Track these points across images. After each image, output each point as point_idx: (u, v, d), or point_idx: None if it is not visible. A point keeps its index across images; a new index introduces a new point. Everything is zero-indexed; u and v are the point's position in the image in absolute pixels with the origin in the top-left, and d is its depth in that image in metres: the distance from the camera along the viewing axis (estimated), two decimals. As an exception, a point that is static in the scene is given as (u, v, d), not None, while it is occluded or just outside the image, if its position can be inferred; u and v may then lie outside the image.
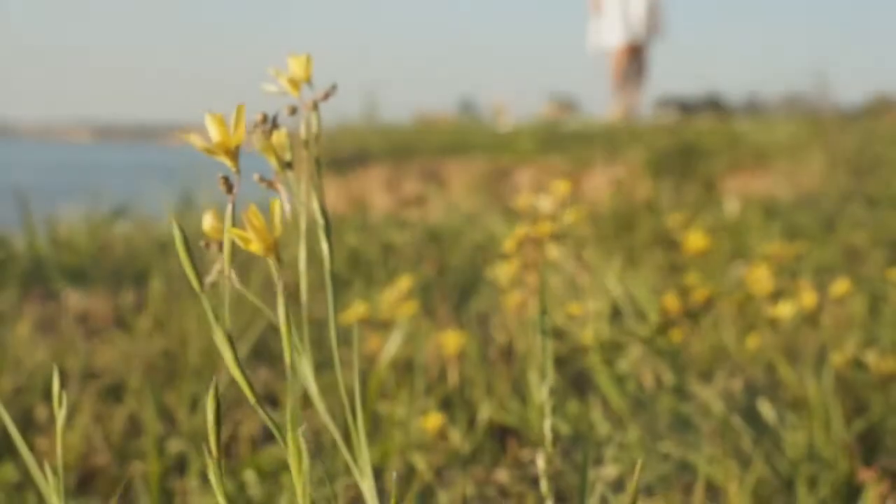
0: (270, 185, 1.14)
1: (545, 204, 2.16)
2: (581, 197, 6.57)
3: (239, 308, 2.51)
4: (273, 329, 2.55)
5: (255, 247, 0.91)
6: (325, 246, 1.12)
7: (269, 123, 1.11)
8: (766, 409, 1.80)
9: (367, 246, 3.49)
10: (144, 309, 2.95)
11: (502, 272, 2.16)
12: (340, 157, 7.72)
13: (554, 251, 2.17)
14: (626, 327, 2.07)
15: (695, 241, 2.26)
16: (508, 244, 2.19)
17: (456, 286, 3.00)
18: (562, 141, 7.50)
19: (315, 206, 1.13)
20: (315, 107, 1.12)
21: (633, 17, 8.67)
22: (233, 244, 0.91)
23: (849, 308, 2.32)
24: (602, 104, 9.21)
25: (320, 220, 1.13)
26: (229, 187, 0.92)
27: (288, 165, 1.13)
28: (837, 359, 1.85)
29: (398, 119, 9.68)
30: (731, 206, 3.41)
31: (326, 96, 1.13)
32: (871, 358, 1.83)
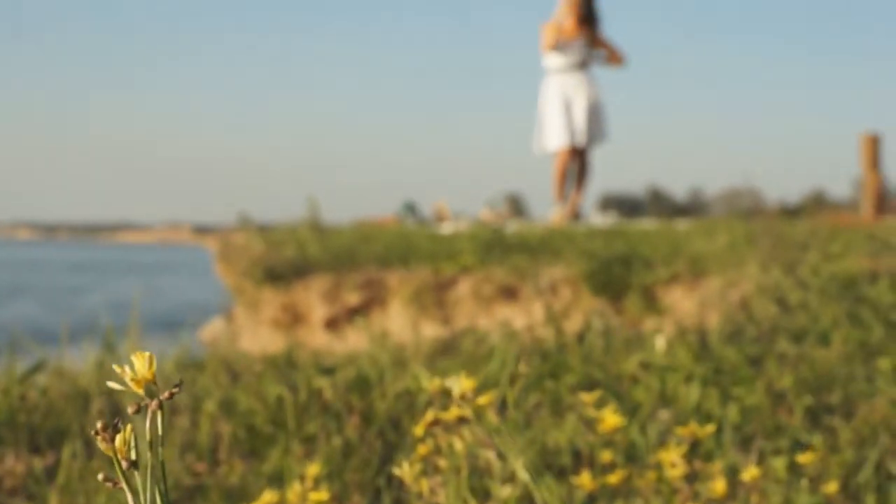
0: (115, 484, 1.09)
1: (456, 387, 2.13)
2: (518, 313, 6.56)
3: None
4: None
5: None
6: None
7: (112, 429, 1.06)
8: None
9: (292, 394, 3.42)
10: (55, 478, 2.86)
11: (406, 471, 2.11)
12: (280, 266, 7.66)
13: (465, 435, 2.12)
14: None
15: (610, 420, 2.23)
16: (417, 430, 2.15)
17: (378, 450, 2.93)
18: (503, 248, 7.47)
19: None
20: (161, 406, 1.08)
21: (575, 121, 8.77)
22: None
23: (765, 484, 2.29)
24: (549, 204, 9.25)
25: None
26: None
27: (133, 465, 1.08)
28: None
29: (340, 223, 9.66)
30: (660, 343, 3.37)
31: (171, 395, 1.09)
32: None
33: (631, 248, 6.95)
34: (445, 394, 2.26)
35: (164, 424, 1.10)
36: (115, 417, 2.71)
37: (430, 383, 2.16)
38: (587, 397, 2.32)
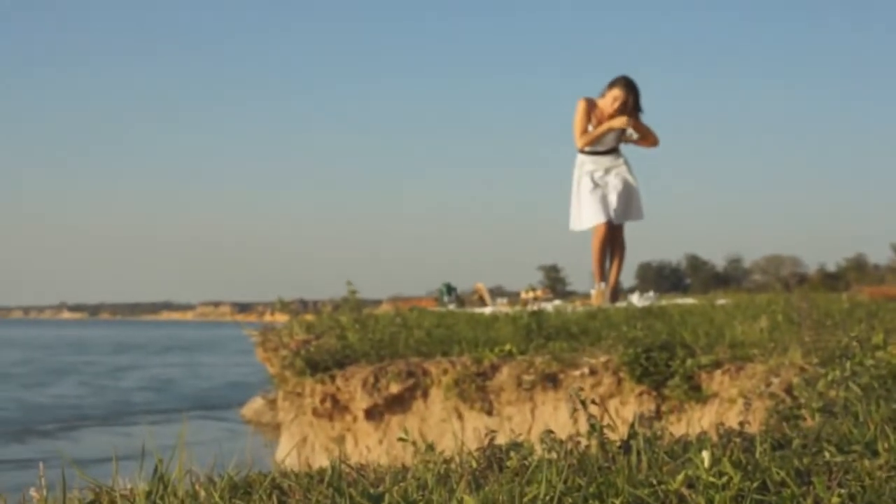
0: None
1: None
2: (561, 402, 6.49)
3: None
4: None
5: None
6: None
7: None
8: None
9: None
10: None
11: None
12: (321, 357, 7.61)
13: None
14: None
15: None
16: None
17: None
18: (543, 332, 7.38)
19: None
20: None
21: (610, 200, 8.77)
22: None
23: None
24: (586, 273, 9.26)
25: None
26: None
27: None
28: None
29: (378, 301, 9.66)
30: (704, 458, 3.35)
31: None
32: None
33: (672, 331, 6.83)
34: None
35: None
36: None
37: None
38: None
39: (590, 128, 8.82)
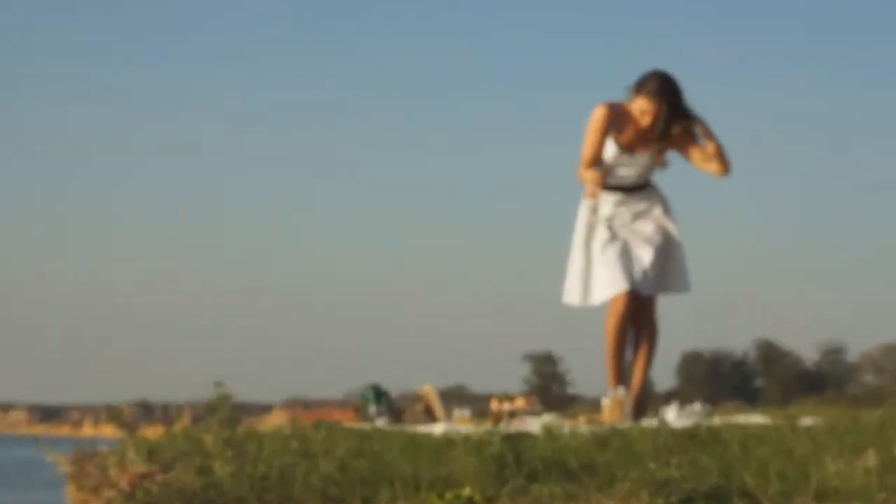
0: None
1: None
2: None
3: None
4: None
5: None
6: None
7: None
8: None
9: None
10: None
11: None
12: (170, 500, 5.32)
13: None
14: None
15: None
16: None
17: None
18: (525, 468, 5.38)
19: None
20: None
21: (637, 260, 6.17)
22: None
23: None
24: (590, 369, 6.63)
25: None
26: None
27: None
28: None
29: (265, 407, 7.10)
30: None
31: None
32: None
33: (727, 470, 5.22)
34: None
35: None
36: None
37: None
38: None
39: (609, 152, 6.18)
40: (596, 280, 6.17)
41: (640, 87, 6.09)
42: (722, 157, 6.22)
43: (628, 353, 6.42)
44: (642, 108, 6.06)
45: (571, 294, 6.33)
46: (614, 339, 6.21)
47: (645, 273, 6.12)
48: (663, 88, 6.03)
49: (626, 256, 6.12)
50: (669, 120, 6.05)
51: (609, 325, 6.22)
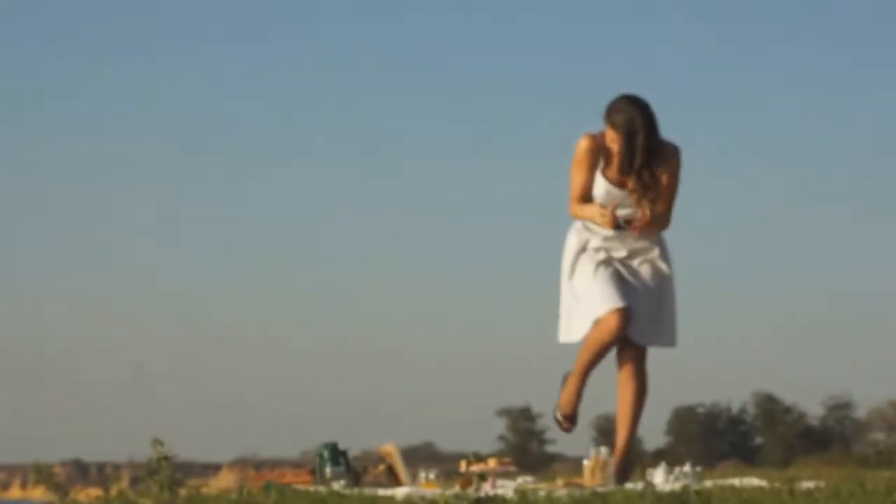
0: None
1: None
2: None
3: None
4: None
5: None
6: None
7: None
8: None
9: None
10: None
11: None
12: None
13: None
14: None
15: None
16: None
17: None
18: None
19: None
20: None
21: (635, 288, 5.47)
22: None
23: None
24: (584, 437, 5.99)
25: None
26: None
27: None
28: None
29: (212, 467, 6.40)
30: None
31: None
32: None
33: None
34: None
35: None
36: None
37: None
38: None
39: (600, 189, 5.52)
40: (585, 303, 5.43)
41: (609, 112, 5.46)
42: (656, 224, 5.60)
43: (611, 409, 5.72)
44: (612, 137, 5.45)
45: (564, 330, 5.62)
46: (595, 351, 5.36)
47: (638, 318, 5.48)
48: (633, 116, 5.40)
49: (621, 280, 5.44)
50: (632, 153, 5.40)
51: (594, 337, 5.39)
